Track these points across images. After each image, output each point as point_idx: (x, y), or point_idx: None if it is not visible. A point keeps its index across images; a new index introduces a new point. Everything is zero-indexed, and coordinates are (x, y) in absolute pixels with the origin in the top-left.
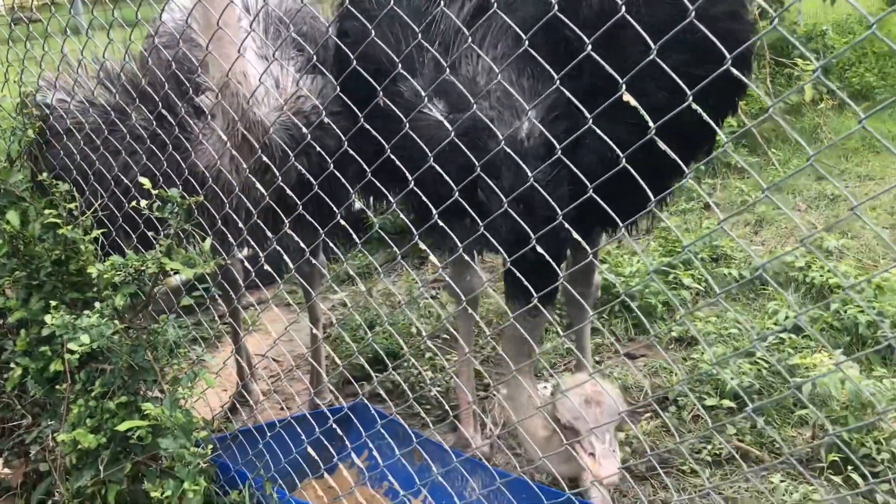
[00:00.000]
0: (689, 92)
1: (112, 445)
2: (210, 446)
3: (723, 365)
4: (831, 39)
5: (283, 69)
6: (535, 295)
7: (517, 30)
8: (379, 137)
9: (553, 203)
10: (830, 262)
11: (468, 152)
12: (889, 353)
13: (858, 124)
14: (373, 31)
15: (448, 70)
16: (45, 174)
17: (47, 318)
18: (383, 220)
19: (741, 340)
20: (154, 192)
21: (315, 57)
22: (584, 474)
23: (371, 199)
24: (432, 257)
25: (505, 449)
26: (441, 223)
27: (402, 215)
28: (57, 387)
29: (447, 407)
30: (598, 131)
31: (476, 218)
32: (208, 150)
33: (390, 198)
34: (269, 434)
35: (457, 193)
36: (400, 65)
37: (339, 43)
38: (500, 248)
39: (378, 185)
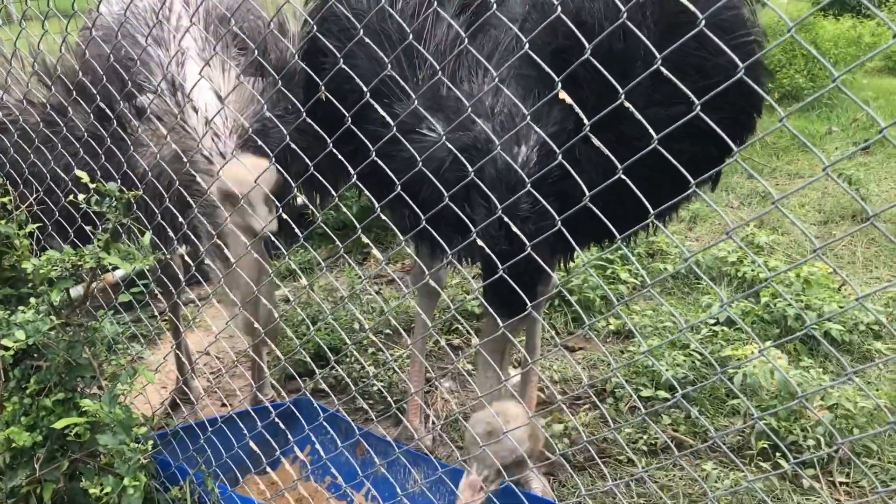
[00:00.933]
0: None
1: (48, 443)
2: (150, 442)
3: (657, 356)
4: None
5: (224, 73)
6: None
7: (531, 54)
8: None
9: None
10: (761, 257)
11: (464, 168)
12: (815, 344)
13: (780, 122)
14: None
15: (446, 87)
16: None
17: None
18: (326, 215)
19: (676, 333)
20: (92, 185)
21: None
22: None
23: (315, 194)
24: (375, 251)
25: (448, 441)
26: (431, 230)
27: (389, 223)
28: None
29: (391, 401)
30: (601, 146)
31: (461, 227)
32: (152, 152)
33: (334, 192)
34: (210, 430)
35: (447, 199)
36: (395, 86)
37: (307, 67)
38: (483, 260)
39: (321, 180)
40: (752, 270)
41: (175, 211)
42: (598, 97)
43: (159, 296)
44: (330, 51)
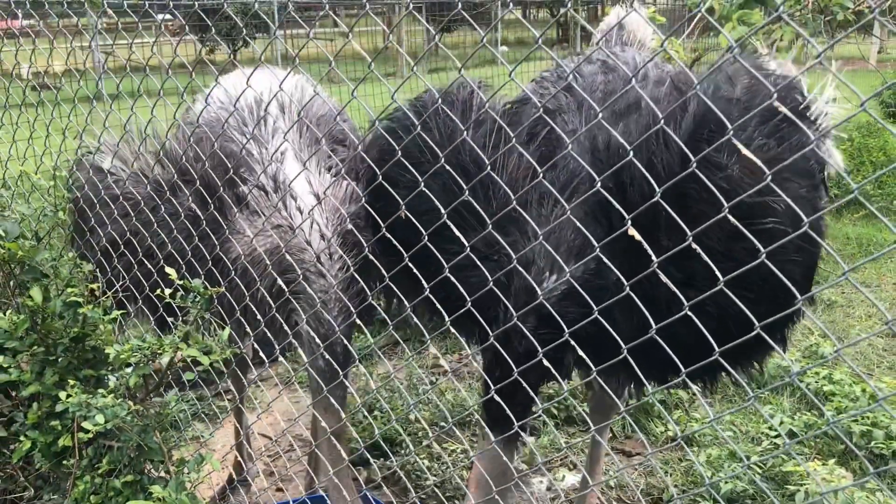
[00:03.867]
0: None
1: None
2: None
3: (716, 467)
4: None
5: (321, 175)
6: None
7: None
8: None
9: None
10: (825, 369)
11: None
12: (882, 463)
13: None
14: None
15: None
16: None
17: (61, 395)
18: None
19: (736, 444)
20: (179, 282)
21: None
22: None
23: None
24: (433, 349)
25: None
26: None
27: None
28: (64, 462)
29: (442, 498)
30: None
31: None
32: (247, 241)
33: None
34: None
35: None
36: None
37: (384, 193)
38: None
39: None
40: (816, 382)
41: (271, 302)
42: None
43: (222, 375)
44: (402, 184)
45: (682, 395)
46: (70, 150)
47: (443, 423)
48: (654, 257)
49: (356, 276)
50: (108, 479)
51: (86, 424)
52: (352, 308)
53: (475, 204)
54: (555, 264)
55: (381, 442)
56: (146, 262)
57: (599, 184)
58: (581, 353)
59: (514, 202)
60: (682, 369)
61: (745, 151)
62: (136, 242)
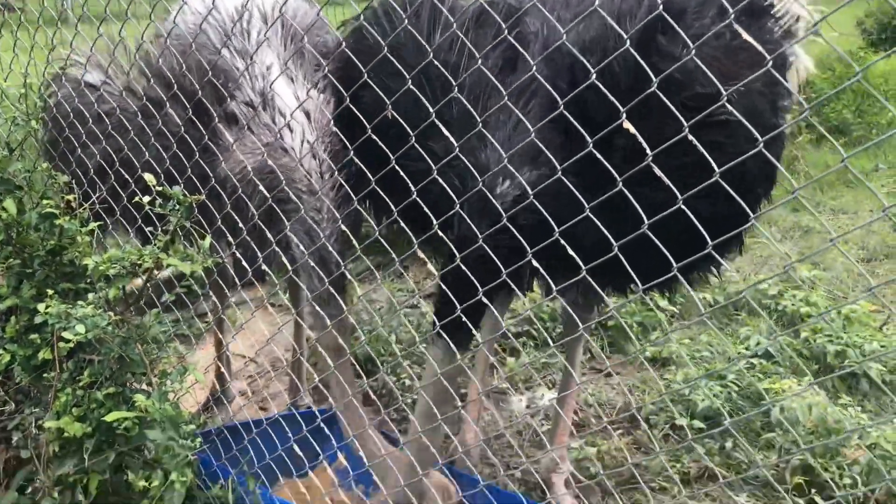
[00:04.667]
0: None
1: (97, 435)
2: (198, 440)
3: (694, 386)
4: (811, 75)
5: (306, 91)
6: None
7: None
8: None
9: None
10: (802, 292)
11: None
12: (854, 382)
13: (841, 162)
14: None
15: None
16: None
17: (40, 307)
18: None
19: (713, 363)
20: (158, 188)
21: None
22: (555, 479)
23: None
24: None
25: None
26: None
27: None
28: (45, 375)
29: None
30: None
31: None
32: (237, 159)
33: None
34: (254, 431)
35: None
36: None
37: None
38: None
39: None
40: (793, 304)
41: (262, 224)
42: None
43: (204, 297)
44: (367, 84)
45: (661, 317)
46: (41, 62)
47: (423, 346)
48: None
49: (350, 192)
50: (90, 391)
51: (66, 334)
52: (344, 227)
53: (435, 107)
54: (509, 170)
55: (357, 365)
56: (124, 172)
57: (552, 86)
58: (535, 262)
59: (475, 109)
60: (639, 282)
61: (744, 34)
62: (120, 159)
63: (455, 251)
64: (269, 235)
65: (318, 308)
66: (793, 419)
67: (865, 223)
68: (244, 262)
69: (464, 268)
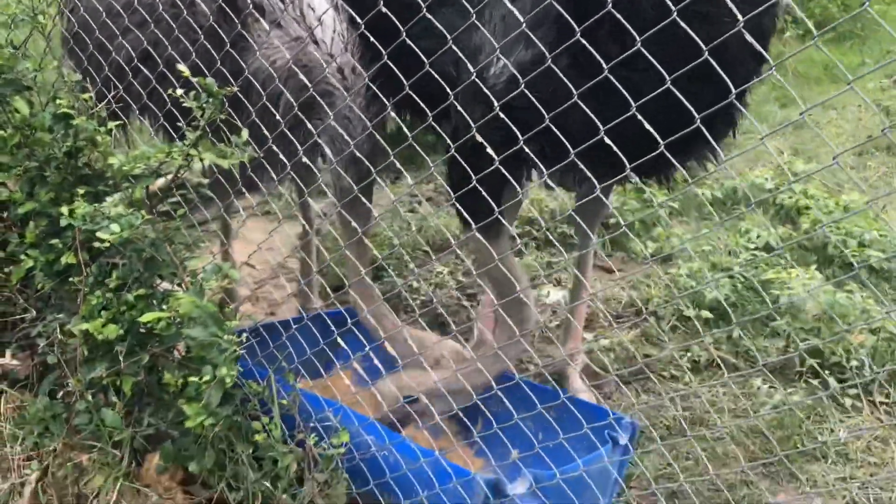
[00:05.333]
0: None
1: (129, 338)
2: (244, 334)
3: (699, 278)
4: None
5: None
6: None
7: None
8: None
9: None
10: (798, 185)
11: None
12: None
13: (812, 41)
14: None
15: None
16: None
17: (63, 210)
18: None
19: (716, 257)
20: (192, 78)
21: None
22: (570, 372)
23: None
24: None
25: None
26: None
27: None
28: (71, 279)
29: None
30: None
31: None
32: (266, 54)
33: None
34: (293, 328)
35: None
36: None
37: None
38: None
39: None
40: (790, 197)
41: (292, 123)
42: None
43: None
44: None
45: (661, 213)
46: None
47: (426, 249)
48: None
49: (377, 91)
50: (119, 293)
51: (101, 234)
52: (369, 124)
53: None
54: (503, 49)
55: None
56: (145, 69)
57: None
58: (522, 140)
59: None
60: (627, 163)
61: None
62: (144, 54)
63: (471, 121)
64: (297, 135)
65: (344, 212)
66: (799, 307)
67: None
68: (280, 159)
69: (480, 138)
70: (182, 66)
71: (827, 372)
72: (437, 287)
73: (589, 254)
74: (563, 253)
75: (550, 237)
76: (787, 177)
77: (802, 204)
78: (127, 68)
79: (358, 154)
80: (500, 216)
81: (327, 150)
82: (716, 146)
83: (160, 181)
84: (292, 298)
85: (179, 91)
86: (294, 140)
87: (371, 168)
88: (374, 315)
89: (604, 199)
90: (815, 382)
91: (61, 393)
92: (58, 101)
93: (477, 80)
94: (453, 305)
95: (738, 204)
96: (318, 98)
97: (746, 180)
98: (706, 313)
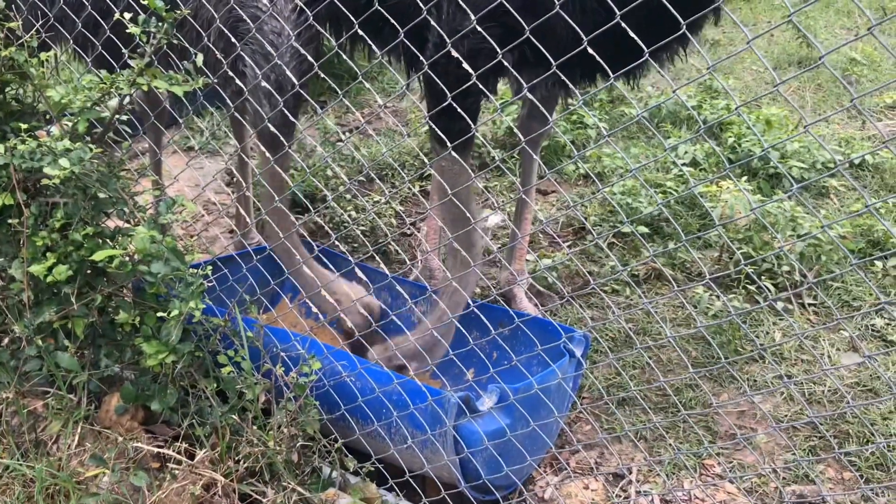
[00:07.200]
0: None
1: (79, 278)
2: (210, 267)
3: (634, 195)
4: None
5: None
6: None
7: None
8: None
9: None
10: (718, 101)
11: None
12: (777, 182)
13: None
14: None
15: None
16: None
17: (0, 148)
18: None
19: (645, 173)
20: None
21: None
22: (516, 291)
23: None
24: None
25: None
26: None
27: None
28: (9, 221)
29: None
30: None
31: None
32: None
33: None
34: (256, 258)
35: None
36: None
37: None
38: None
39: None
40: (713, 114)
41: (216, 49)
42: None
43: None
44: None
45: (590, 134)
46: None
47: (360, 178)
48: None
49: (313, 20)
50: (65, 233)
51: (48, 170)
52: (304, 52)
53: None
54: None
55: (303, 198)
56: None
57: None
58: (496, 52)
59: None
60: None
61: None
62: None
63: (447, 38)
64: (231, 62)
65: (260, 144)
66: (733, 213)
67: (771, 28)
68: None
69: (456, 54)
70: None
71: (763, 278)
72: (378, 216)
73: (533, 173)
74: (509, 175)
75: (486, 161)
76: (709, 93)
77: (726, 120)
78: None
79: (281, 79)
80: (475, 134)
81: (256, 71)
82: (691, 37)
83: (113, 102)
84: (221, 237)
85: (128, 15)
86: (224, 64)
87: (301, 93)
88: (283, 248)
89: (547, 115)
90: (753, 288)
91: (6, 340)
92: None
93: None
94: (394, 234)
95: (662, 122)
96: (248, 21)
97: (669, 97)
98: (643, 228)
